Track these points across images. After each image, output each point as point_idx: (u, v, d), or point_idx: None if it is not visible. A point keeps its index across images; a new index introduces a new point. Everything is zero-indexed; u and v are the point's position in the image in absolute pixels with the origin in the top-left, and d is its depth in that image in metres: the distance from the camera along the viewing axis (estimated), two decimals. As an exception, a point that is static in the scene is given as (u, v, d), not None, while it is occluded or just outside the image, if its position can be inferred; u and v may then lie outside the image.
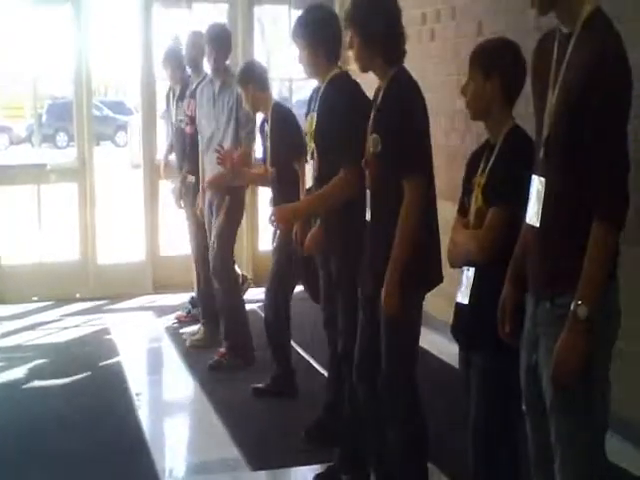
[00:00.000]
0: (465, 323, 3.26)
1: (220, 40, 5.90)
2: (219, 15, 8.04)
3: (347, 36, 3.70)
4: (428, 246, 3.64)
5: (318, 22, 4.19)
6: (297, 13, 7.16)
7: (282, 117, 5.33)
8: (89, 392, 5.61)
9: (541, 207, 2.68)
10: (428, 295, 3.73)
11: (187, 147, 6.51)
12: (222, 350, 6.00)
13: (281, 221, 4.29)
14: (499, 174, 3.14)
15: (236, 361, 5.94)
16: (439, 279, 3.73)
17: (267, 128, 5.43)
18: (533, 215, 2.73)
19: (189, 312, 7.19)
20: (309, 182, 4.48)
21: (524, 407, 2.90)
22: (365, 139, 3.73)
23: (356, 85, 4.24)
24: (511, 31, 3.48)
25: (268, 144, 5.41)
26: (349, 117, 3.94)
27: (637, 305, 2.99)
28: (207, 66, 6.09)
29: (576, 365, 2.54)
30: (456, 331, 3.34)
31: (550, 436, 2.75)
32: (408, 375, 3.71)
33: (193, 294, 7.17)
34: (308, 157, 4.47)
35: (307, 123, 4.52)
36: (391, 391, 3.70)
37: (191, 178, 6.43)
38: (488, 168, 3.18)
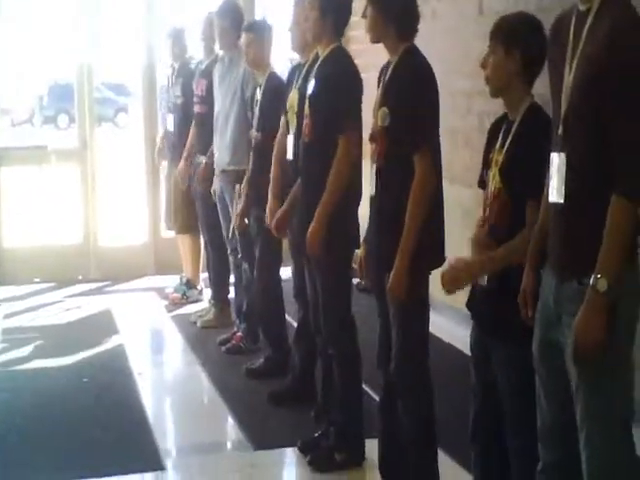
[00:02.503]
0: (486, 307, 3.22)
1: (231, 16, 5.85)
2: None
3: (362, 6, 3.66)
4: (436, 224, 3.64)
5: None
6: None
7: (275, 87, 5.25)
8: (91, 373, 5.61)
9: (563, 184, 2.66)
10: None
11: (197, 127, 6.45)
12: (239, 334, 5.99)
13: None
14: (519, 156, 3.09)
15: (254, 346, 5.89)
16: (443, 259, 3.72)
17: (258, 94, 5.39)
18: (555, 192, 2.70)
19: (184, 294, 7.20)
20: (289, 154, 4.58)
21: (537, 382, 2.88)
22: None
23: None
24: (512, 11, 3.47)
25: (257, 110, 5.36)
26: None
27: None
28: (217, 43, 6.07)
29: (596, 339, 2.53)
30: (476, 312, 3.29)
31: (562, 414, 2.77)
32: (421, 360, 3.71)
33: (187, 276, 7.20)
34: (290, 130, 4.56)
35: (289, 99, 4.59)
36: (404, 376, 3.68)
37: (201, 158, 6.37)
38: (506, 146, 3.15)
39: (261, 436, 4.64)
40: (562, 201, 2.68)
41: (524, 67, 3.13)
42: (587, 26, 2.58)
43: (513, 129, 3.15)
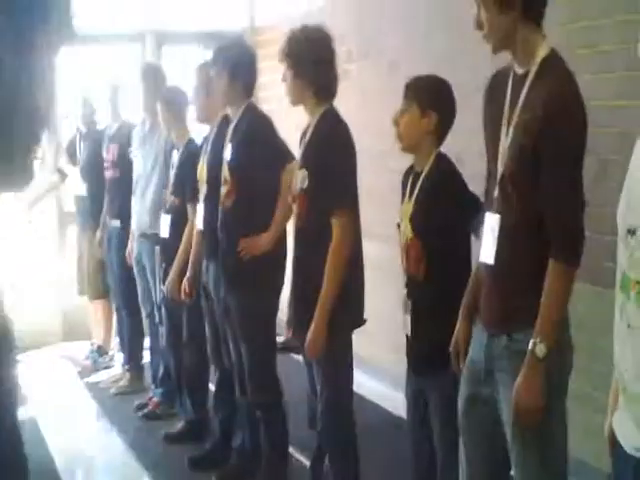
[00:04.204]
0: (414, 351, 3.29)
1: (151, 79, 5.77)
2: (128, 54, 7.97)
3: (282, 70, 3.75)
4: (355, 284, 3.66)
5: (240, 53, 4.32)
6: (209, 52, 7.20)
7: (191, 154, 5.17)
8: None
9: (495, 244, 2.68)
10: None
11: (111, 191, 6.35)
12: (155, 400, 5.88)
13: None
14: (428, 205, 3.17)
15: (170, 411, 5.80)
16: (363, 319, 3.74)
17: (175, 157, 5.35)
18: (487, 252, 2.72)
19: (95, 361, 7.05)
20: (199, 224, 4.67)
21: (460, 441, 2.88)
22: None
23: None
24: (426, 71, 3.52)
25: (172, 173, 5.32)
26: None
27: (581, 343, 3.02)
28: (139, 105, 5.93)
29: (536, 403, 2.55)
30: (408, 358, 3.36)
31: (485, 471, 2.81)
32: (347, 418, 3.75)
33: (98, 342, 7.05)
34: (200, 198, 4.63)
35: (200, 168, 4.66)
36: (331, 434, 3.71)
37: (115, 222, 6.27)
38: (414, 197, 3.20)
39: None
40: (493, 261, 2.70)
41: (438, 128, 3.22)
42: (524, 92, 2.61)
43: (420, 179, 3.24)
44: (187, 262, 5.06)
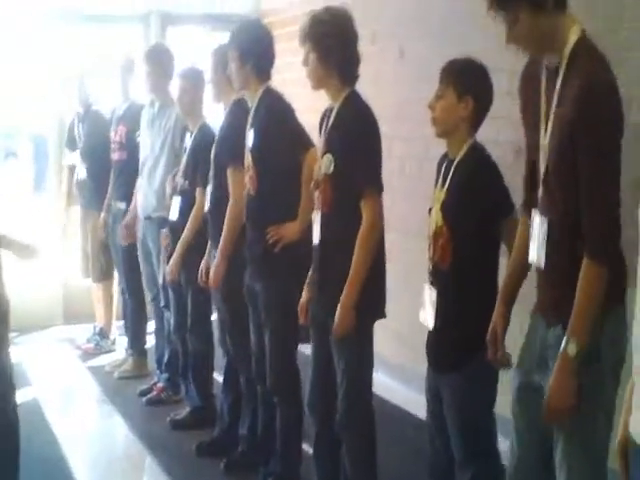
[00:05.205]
0: (436, 347, 3.24)
1: (159, 59, 5.68)
2: (133, 36, 7.90)
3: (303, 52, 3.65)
4: (380, 272, 3.62)
5: (251, 36, 4.21)
6: (215, 34, 7.14)
7: (205, 139, 5.11)
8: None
9: (544, 245, 2.64)
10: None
11: (116, 173, 6.27)
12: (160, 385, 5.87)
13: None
14: (459, 196, 3.14)
15: (175, 397, 5.79)
16: (384, 311, 3.71)
17: (188, 141, 5.27)
18: (535, 254, 2.68)
19: (97, 344, 7.02)
20: (206, 206, 4.67)
21: (512, 425, 2.85)
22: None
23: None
24: (435, 56, 3.45)
25: (185, 157, 5.24)
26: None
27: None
28: (145, 87, 5.83)
29: (567, 403, 2.53)
30: (428, 354, 3.31)
31: (533, 455, 2.77)
32: (367, 404, 3.70)
33: (100, 325, 7.01)
34: (210, 182, 4.62)
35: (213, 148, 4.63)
36: (351, 419, 3.67)
37: (121, 205, 6.22)
38: (447, 185, 3.17)
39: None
40: (543, 265, 2.66)
41: (475, 113, 3.17)
42: (558, 84, 2.56)
43: (453, 167, 3.18)
44: (190, 246, 5.04)
